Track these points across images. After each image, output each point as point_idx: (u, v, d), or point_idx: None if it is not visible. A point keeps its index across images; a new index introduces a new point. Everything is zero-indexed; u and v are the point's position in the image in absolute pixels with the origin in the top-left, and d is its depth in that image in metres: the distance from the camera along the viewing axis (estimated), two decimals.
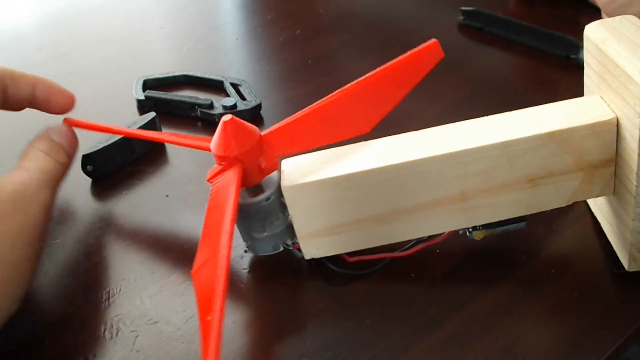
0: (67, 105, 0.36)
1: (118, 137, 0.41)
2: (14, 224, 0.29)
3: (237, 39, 0.59)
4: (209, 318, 0.25)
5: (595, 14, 0.54)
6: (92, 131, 0.39)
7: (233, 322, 0.31)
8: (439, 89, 0.48)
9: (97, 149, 0.40)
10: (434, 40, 0.32)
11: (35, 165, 0.32)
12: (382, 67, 0.32)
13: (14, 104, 0.35)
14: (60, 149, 0.34)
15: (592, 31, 0.31)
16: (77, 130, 0.40)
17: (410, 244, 0.33)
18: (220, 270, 0.26)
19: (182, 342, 0.30)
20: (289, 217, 0.32)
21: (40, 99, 0.35)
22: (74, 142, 0.35)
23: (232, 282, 0.33)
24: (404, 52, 0.32)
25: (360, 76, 0.32)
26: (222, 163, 0.30)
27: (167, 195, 0.40)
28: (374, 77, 0.32)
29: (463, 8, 0.57)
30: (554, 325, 0.30)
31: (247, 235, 0.33)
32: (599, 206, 0.34)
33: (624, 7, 0.47)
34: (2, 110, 0.35)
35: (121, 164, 0.42)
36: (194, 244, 0.29)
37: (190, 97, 0.47)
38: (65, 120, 0.39)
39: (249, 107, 0.46)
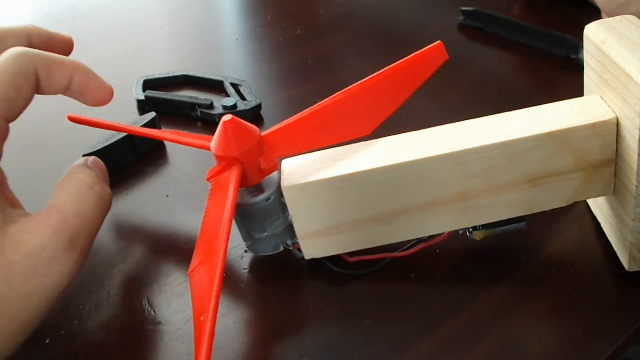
0: (104, 98, 0.31)
1: (118, 137, 0.41)
2: (33, 284, 0.26)
3: (237, 39, 0.59)
4: (202, 318, 0.25)
5: (595, 14, 0.54)
6: (94, 129, 0.39)
7: (233, 321, 0.31)
8: (439, 89, 0.48)
9: (97, 148, 0.40)
10: (438, 42, 0.32)
11: (74, 206, 0.27)
12: (385, 69, 0.32)
13: (45, 93, 0.30)
14: (101, 180, 0.30)
15: (592, 31, 0.31)
16: (78, 129, 0.40)
17: (410, 244, 0.33)
18: (216, 271, 0.26)
19: (182, 342, 0.30)
20: (289, 217, 0.32)
21: (74, 91, 0.31)
22: (103, 169, 0.32)
23: (232, 282, 0.33)
24: (404, 51, 0.32)
25: (360, 76, 0.32)
26: (222, 163, 0.30)
27: (167, 195, 0.40)
28: (377, 79, 0.32)
29: (463, 8, 0.57)
30: (554, 325, 0.30)
31: (247, 235, 0.33)
32: (599, 206, 0.34)
33: (623, 6, 0.47)
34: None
35: (121, 164, 0.42)
36: (194, 244, 0.29)
37: (190, 97, 0.47)
38: (69, 116, 0.39)
39: (249, 107, 0.46)
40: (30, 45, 0.31)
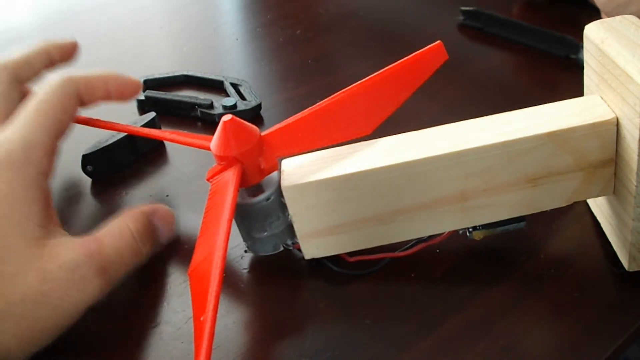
0: (136, 92, 0.36)
1: (118, 137, 0.41)
2: (62, 295, 0.27)
3: (237, 39, 0.59)
4: (202, 318, 0.25)
5: (595, 14, 0.54)
6: (94, 129, 0.39)
7: (233, 322, 0.31)
8: (439, 89, 0.48)
9: (97, 148, 0.40)
10: (438, 42, 0.32)
11: (113, 244, 0.29)
12: (385, 68, 0.32)
13: (88, 107, 0.34)
14: (150, 237, 0.32)
15: (592, 31, 0.31)
16: (78, 129, 0.40)
17: (410, 244, 0.33)
18: (215, 271, 0.26)
19: (182, 342, 0.30)
20: (289, 217, 0.32)
21: (113, 96, 0.34)
22: (170, 229, 0.34)
23: (232, 282, 0.33)
24: (404, 52, 0.32)
25: (360, 76, 0.32)
26: (222, 163, 0.30)
27: (167, 195, 0.40)
28: (377, 78, 0.32)
29: (463, 8, 0.57)
30: (554, 325, 0.30)
31: (247, 235, 0.33)
32: (599, 206, 0.34)
33: (622, 6, 0.47)
34: None
35: (121, 164, 0.42)
36: (194, 244, 0.29)
37: (190, 97, 0.47)
38: None
39: (249, 107, 0.46)
40: (50, 59, 0.37)
